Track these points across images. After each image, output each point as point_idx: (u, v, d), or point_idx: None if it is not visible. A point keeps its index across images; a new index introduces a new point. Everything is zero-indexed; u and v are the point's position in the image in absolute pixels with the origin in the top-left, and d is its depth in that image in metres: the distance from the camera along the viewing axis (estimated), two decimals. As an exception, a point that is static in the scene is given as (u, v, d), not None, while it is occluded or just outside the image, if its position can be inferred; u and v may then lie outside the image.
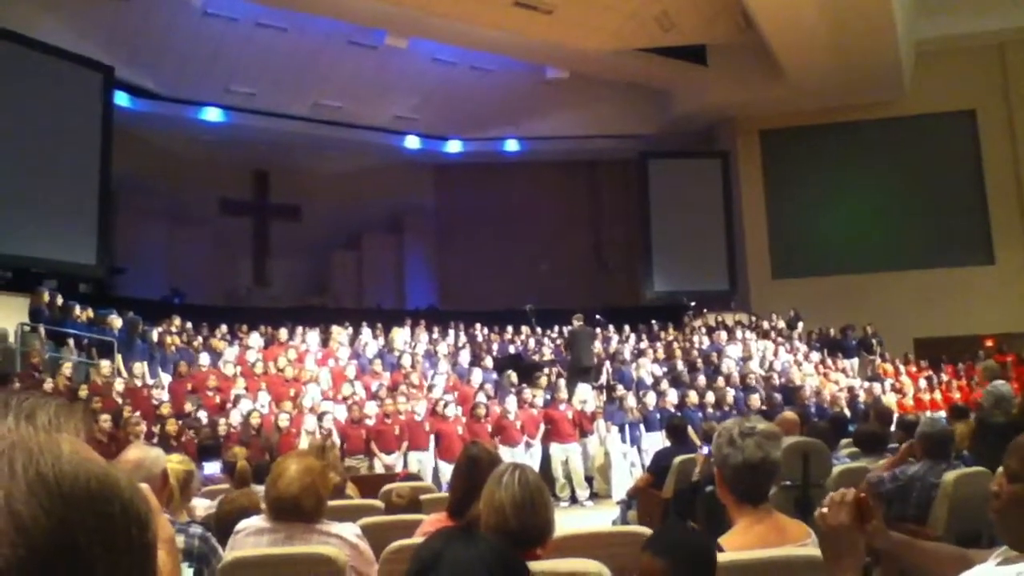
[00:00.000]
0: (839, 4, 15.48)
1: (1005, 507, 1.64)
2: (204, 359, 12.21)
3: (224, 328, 14.49)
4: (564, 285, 21.74)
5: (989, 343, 17.80)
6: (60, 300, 12.49)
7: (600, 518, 9.04)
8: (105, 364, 11.26)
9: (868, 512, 1.66)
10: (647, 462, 9.45)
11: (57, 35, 15.08)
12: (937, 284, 19.16)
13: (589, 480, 11.36)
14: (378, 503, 4.78)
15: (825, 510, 1.67)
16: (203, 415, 10.10)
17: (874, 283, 19.41)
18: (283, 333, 13.81)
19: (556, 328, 16.52)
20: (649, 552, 1.98)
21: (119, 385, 10.45)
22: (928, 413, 12.53)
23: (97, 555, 0.61)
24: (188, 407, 10.20)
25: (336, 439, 9.59)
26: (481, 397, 11.44)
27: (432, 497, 5.12)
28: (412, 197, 24.47)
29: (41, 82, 13.98)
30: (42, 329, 11.72)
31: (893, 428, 7.11)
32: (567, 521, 8.78)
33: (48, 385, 9.87)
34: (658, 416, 11.36)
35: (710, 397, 12.12)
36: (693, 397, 12.03)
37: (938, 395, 14.45)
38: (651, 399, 11.80)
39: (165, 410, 9.87)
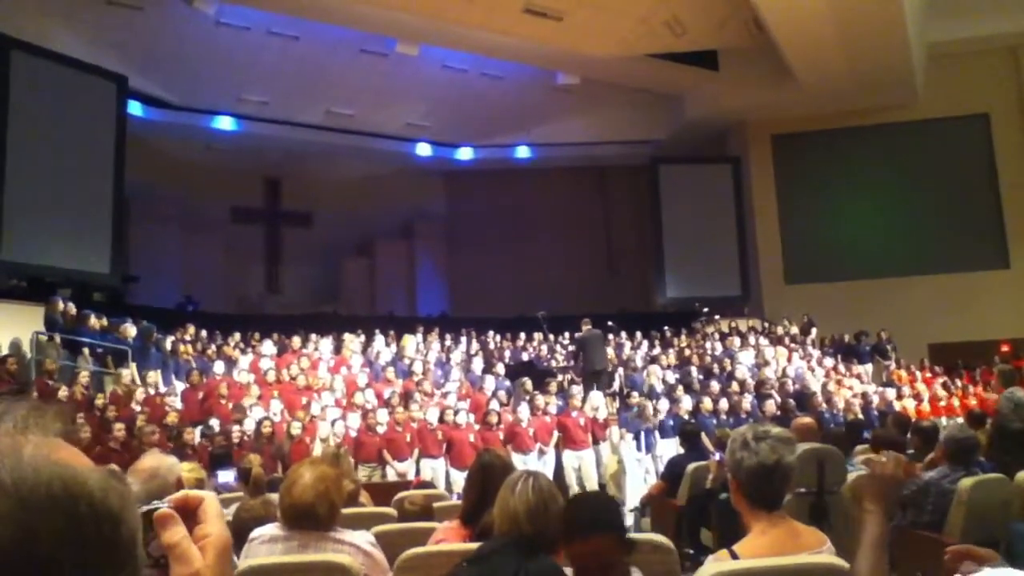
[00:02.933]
0: (850, 8, 15.43)
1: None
2: (218, 367, 12.26)
3: (237, 336, 14.54)
4: (575, 291, 21.72)
5: (1005, 348, 17.66)
6: (74, 309, 12.55)
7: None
8: (125, 373, 11.31)
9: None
10: (662, 469, 9.41)
11: (71, 45, 15.21)
12: (952, 289, 19.04)
13: (602, 488, 11.31)
14: (391, 511, 4.77)
15: (884, 459, 1.93)
16: (215, 423, 10.13)
17: (888, 288, 19.30)
18: (296, 341, 13.84)
19: (568, 334, 16.51)
20: (579, 539, 2.00)
21: (139, 394, 10.49)
22: (944, 419, 12.47)
23: (64, 556, 0.60)
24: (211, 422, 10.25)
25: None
26: (494, 404, 11.42)
27: (445, 505, 5.11)
28: (423, 204, 24.52)
29: (55, 92, 14.10)
30: (57, 338, 11.78)
31: (909, 434, 7.06)
32: (580, 528, 8.73)
33: (64, 394, 9.92)
34: (671, 423, 11.32)
35: (723, 404, 12.07)
36: (707, 404, 11.98)
37: (954, 401, 14.34)
38: (663, 406, 11.76)
39: (172, 419, 9.86)
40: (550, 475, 8.95)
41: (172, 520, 0.88)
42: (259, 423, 9.97)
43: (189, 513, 0.91)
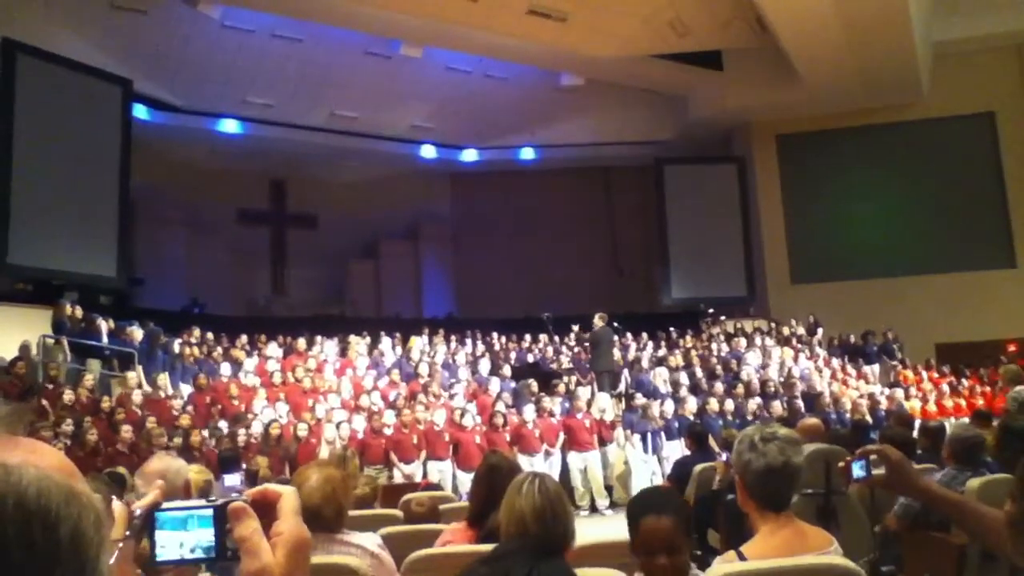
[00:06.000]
0: (855, 7, 15.41)
1: (1010, 526, 1.62)
2: (225, 370, 12.28)
3: (244, 338, 14.56)
4: (581, 292, 21.71)
5: (1012, 347, 17.60)
6: (80, 312, 12.58)
7: (620, 527, 8.98)
8: (131, 375, 11.34)
9: None
10: (667, 470, 9.41)
11: (76, 49, 15.23)
12: (958, 288, 18.97)
13: (609, 489, 11.31)
14: (398, 512, 4.78)
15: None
16: (223, 425, 10.15)
17: (894, 288, 19.24)
18: (301, 343, 13.86)
19: (573, 336, 16.51)
20: (652, 515, 2.13)
21: (138, 397, 10.51)
22: (952, 419, 12.43)
23: None
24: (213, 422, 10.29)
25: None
26: (499, 406, 11.42)
27: (452, 506, 5.11)
28: (428, 205, 24.52)
29: (61, 96, 14.13)
30: (64, 341, 11.81)
31: (915, 434, 7.04)
32: (587, 530, 8.73)
33: (69, 397, 9.95)
34: (676, 424, 11.31)
35: (729, 405, 12.05)
36: (713, 405, 11.96)
37: (961, 401, 14.30)
38: (669, 407, 11.75)
39: (185, 421, 9.92)
40: (556, 477, 8.95)
41: (245, 514, 0.89)
42: (267, 425, 9.99)
43: (268, 508, 0.91)
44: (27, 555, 0.61)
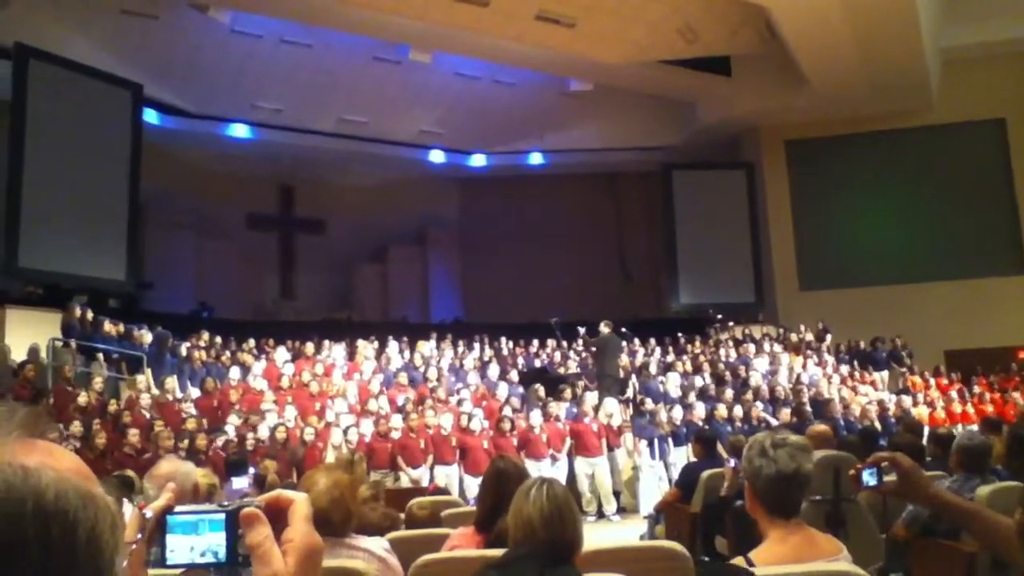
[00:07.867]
0: (864, 13, 15.38)
1: (1020, 534, 1.61)
2: (234, 373, 12.30)
3: (252, 343, 14.59)
4: (588, 297, 21.69)
5: (1022, 355, 17.50)
6: (91, 315, 12.63)
7: (628, 533, 8.98)
8: (141, 378, 11.37)
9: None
10: (675, 476, 9.39)
11: (87, 54, 15.33)
12: (967, 295, 18.88)
13: (616, 494, 11.28)
14: (401, 517, 4.77)
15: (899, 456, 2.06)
16: (231, 429, 10.16)
17: (903, 294, 19.16)
18: (309, 347, 13.88)
19: (580, 341, 16.48)
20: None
21: (146, 400, 10.54)
22: (960, 426, 12.38)
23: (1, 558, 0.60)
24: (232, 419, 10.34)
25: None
26: (507, 411, 11.41)
27: (456, 511, 5.10)
28: (437, 210, 24.56)
29: (72, 100, 14.22)
30: (73, 344, 11.85)
31: (925, 441, 7.01)
32: (594, 536, 8.71)
33: (84, 399, 9.98)
34: (685, 430, 11.28)
35: (738, 411, 12.01)
36: (722, 411, 11.92)
37: (970, 408, 14.24)
38: (678, 413, 11.71)
39: (191, 424, 9.93)
40: (563, 482, 8.88)
41: (257, 520, 0.89)
42: (273, 429, 10.00)
43: (279, 514, 0.91)
44: (45, 556, 0.62)
